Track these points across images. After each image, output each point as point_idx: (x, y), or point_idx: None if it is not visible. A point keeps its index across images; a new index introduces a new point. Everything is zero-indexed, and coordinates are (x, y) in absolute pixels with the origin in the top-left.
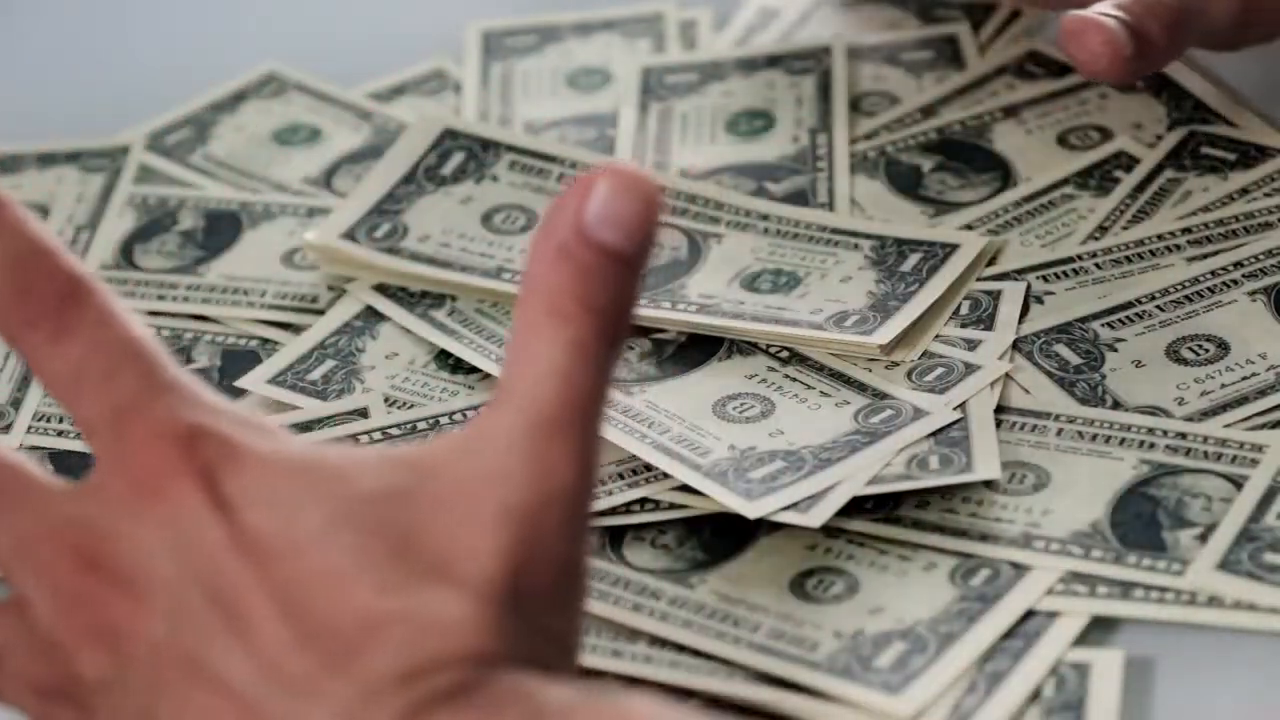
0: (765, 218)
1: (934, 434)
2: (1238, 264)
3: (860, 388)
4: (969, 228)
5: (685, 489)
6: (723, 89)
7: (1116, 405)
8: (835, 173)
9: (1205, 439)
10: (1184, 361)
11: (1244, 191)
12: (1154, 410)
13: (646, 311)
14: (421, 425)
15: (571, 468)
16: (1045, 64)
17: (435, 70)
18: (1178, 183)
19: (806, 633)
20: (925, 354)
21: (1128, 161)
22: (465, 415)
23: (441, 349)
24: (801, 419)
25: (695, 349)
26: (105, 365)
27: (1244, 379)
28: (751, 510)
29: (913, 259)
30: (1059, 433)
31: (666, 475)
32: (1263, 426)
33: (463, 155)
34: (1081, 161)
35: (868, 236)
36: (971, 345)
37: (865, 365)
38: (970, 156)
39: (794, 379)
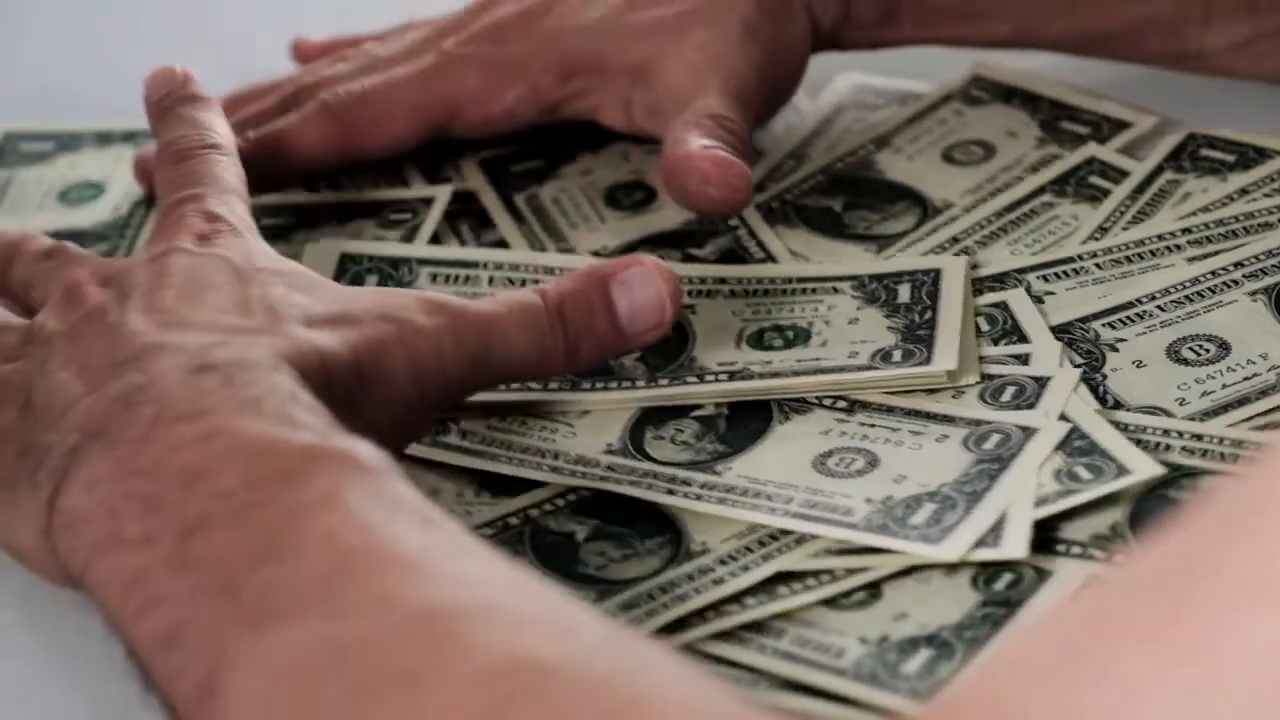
0: (724, 281)
1: (1058, 447)
2: (1238, 264)
3: (946, 420)
4: (955, 241)
5: (841, 551)
6: (580, 168)
7: (1118, 405)
8: (754, 228)
9: (1220, 440)
10: (1185, 362)
11: (1244, 192)
12: (1155, 410)
13: (682, 389)
14: None
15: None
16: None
17: None
18: (1177, 184)
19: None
20: (982, 376)
21: (1100, 167)
22: None
23: None
24: (913, 461)
25: (744, 418)
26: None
27: (1245, 379)
28: (948, 554)
29: (904, 289)
30: None
31: (800, 541)
32: (1265, 427)
33: None
34: (1055, 170)
35: (841, 279)
36: (1021, 359)
37: (931, 397)
38: (873, 189)
39: (873, 425)
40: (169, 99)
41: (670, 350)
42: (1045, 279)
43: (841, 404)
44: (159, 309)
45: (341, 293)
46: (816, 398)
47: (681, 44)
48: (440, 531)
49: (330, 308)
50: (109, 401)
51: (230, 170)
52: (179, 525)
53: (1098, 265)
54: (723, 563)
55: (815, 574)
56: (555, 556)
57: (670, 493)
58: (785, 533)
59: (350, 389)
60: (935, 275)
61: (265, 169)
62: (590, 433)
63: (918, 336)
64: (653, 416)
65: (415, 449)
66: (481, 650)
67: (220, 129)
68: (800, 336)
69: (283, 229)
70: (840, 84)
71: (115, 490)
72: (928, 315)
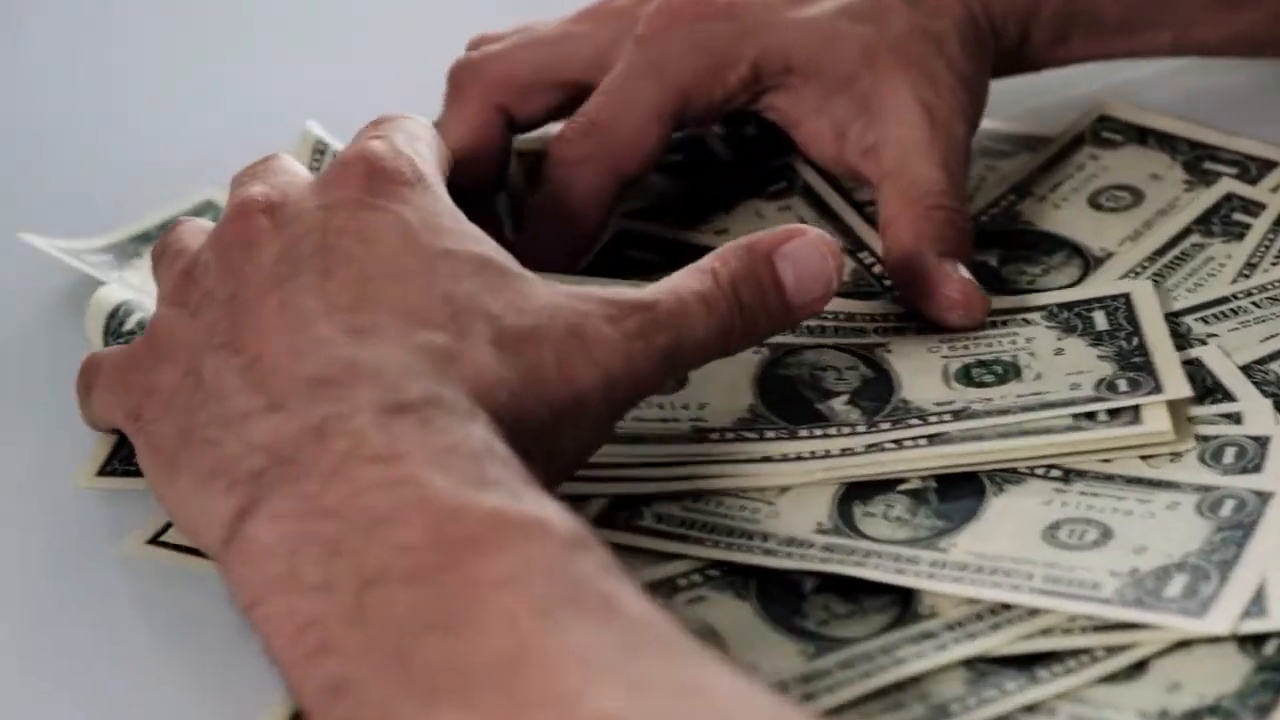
0: (908, 317)
1: None
2: None
3: (1170, 486)
4: None
5: (1091, 627)
6: (715, 228)
7: None
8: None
9: None
10: None
11: None
12: None
13: (906, 432)
14: None
15: (618, 349)
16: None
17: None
18: None
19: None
20: (1195, 438)
21: (1240, 203)
22: None
23: None
24: (1149, 530)
25: (956, 491)
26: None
27: None
28: (1216, 628)
29: (1099, 316)
30: None
31: (1033, 612)
32: None
33: None
34: (1197, 209)
35: (1029, 309)
36: (1232, 417)
37: (1148, 463)
38: (1027, 241)
39: (1095, 494)
40: None
41: (877, 391)
42: (1205, 321)
43: (1056, 473)
44: (339, 306)
45: (527, 293)
46: (1029, 467)
47: (902, 84)
48: (622, 620)
49: (519, 321)
50: (300, 428)
51: (432, 132)
52: (358, 575)
53: (1255, 304)
54: (949, 629)
55: (1074, 654)
56: (778, 605)
57: (900, 572)
58: None
59: (542, 425)
60: (1126, 300)
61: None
62: (794, 511)
63: (1134, 364)
64: (857, 492)
65: (615, 537)
66: None
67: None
68: (1011, 371)
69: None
70: None
71: (299, 529)
72: (1135, 341)
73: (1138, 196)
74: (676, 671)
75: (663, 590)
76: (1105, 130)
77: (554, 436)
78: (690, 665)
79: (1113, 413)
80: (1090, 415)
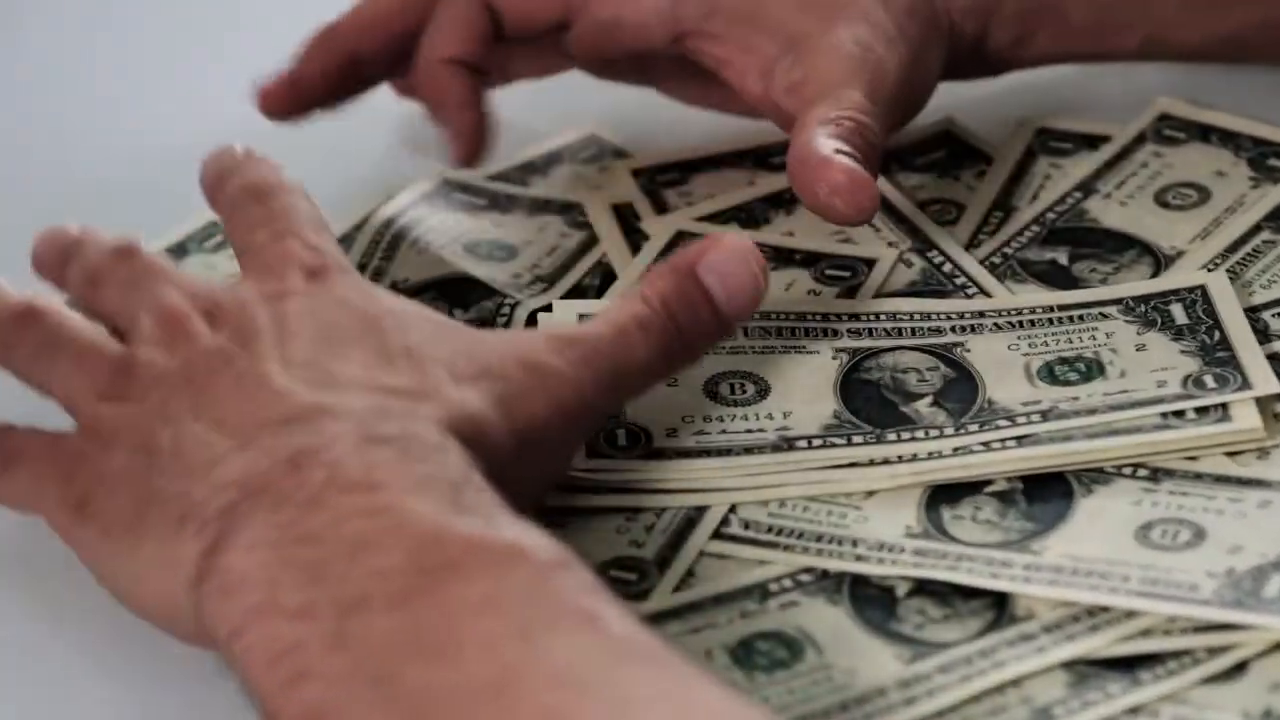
0: (983, 315)
1: None
2: None
3: (1260, 484)
4: None
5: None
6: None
7: None
8: (985, 285)
9: None
10: None
11: None
12: None
13: (994, 434)
14: None
15: (571, 380)
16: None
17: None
18: None
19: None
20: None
21: None
22: None
23: None
24: (1243, 530)
25: (1044, 493)
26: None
27: None
28: None
29: (1177, 310)
30: None
31: (1130, 613)
32: None
33: None
34: (1266, 205)
35: (1105, 303)
36: None
37: (1235, 460)
38: (1095, 239)
39: (1185, 494)
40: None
41: (961, 392)
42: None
43: (1143, 472)
44: (297, 362)
45: (471, 340)
46: (1115, 467)
47: (838, 28)
48: (602, 636)
49: (472, 362)
50: (274, 461)
51: (315, 209)
52: (339, 600)
53: None
54: (1047, 631)
55: (1175, 655)
56: (872, 610)
57: (995, 576)
58: None
59: (508, 455)
60: (1203, 292)
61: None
62: (883, 515)
63: (1219, 359)
64: (944, 495)
65: (711, 546)
66: None
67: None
68: (1095, 368)
69: None
70: (1023, 130)
71: (277, 556)
72: (1217, 336)
73: (1204, 194)
74: (663, 686)
75: (754, 595)
76: (1166, 128)
77: (519, 465)
78: (677, 680)
79: (1201, 410)
80: (1179, 413)
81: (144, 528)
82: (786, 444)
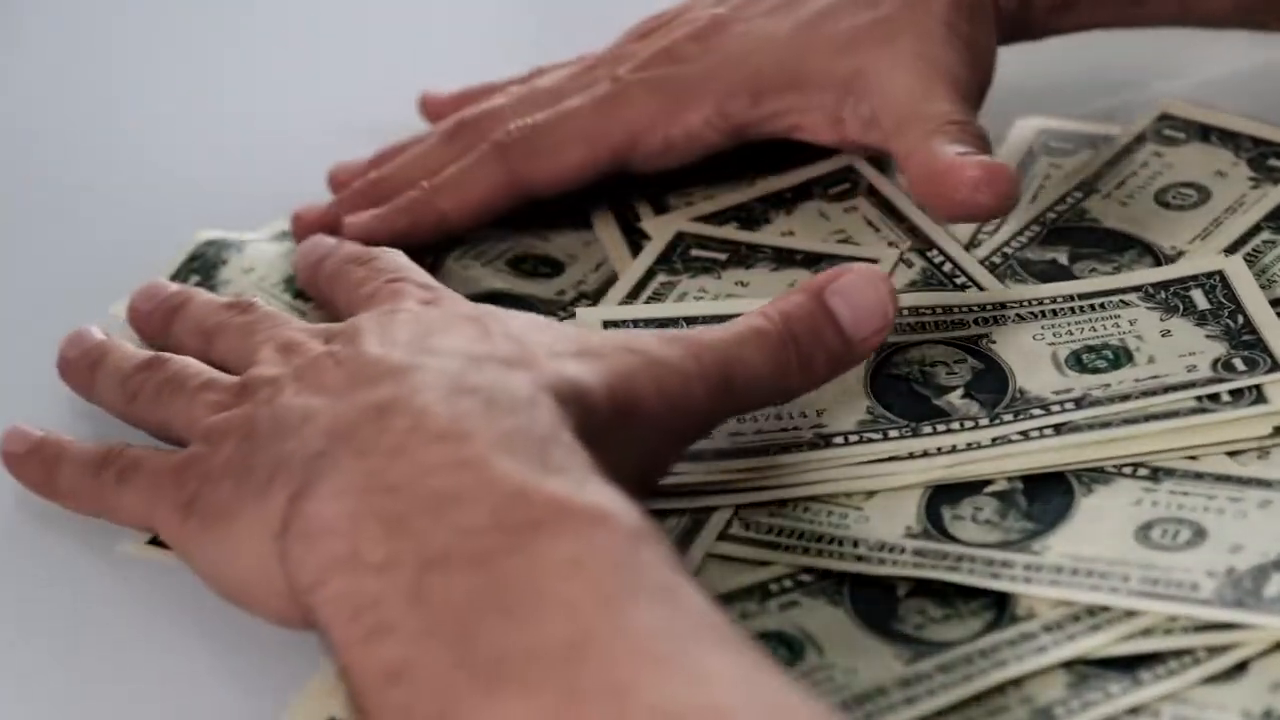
0: (1004, 306)
1: None
2: None
3: (1262, 484)
4: None
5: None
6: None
7: None
8: (986, 285)
9: None
10: None
11: None
12: None
13: (1030, 423)
14: None
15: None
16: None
17: None
18: None
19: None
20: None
21: None
22: None
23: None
24: (1243, 529)
25: (1044, 492)
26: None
27: None
28: None
29: (1198, 295)
30: None
31: (1130, 612)
32: None
33: None
34: (1266, 206)
35: (1124, 290)
36: None
37: (1235, 460)
38: (1095, 239)
39: (1185, 493)
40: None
41: (992, 382)
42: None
43: (1143, 472)
44: (398, 343)
45: (577, 331)
46: (1115, 466)
47: (891, 52)
48: (682, 611)
49: (572, 344)
50: (360, 409)
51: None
52: (420, 555)
53: None
54: (1047, 630)
55: (1176, 655)
56: (873, 610)
57: (995, 576)
58: None
59: (606, 423)
60: (1221, 277)
61: (439, 221)
62: (883, 515)
63: (1246, 343)
64: (943, 495)
65: (714, 547)
66: None
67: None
68: (1123, 355)
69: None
70: (1024, 129)
71: (362, 505)
72: (1241, 319)
73: (1204, 194)
74: (734, 668)
75: (755, 596)
76: (1167, 128)
77: (617, 437)
78: (748, 663)
79: (1235, 393)
80: (1213, 397)
81: (240, 503)
82: (823, 441)
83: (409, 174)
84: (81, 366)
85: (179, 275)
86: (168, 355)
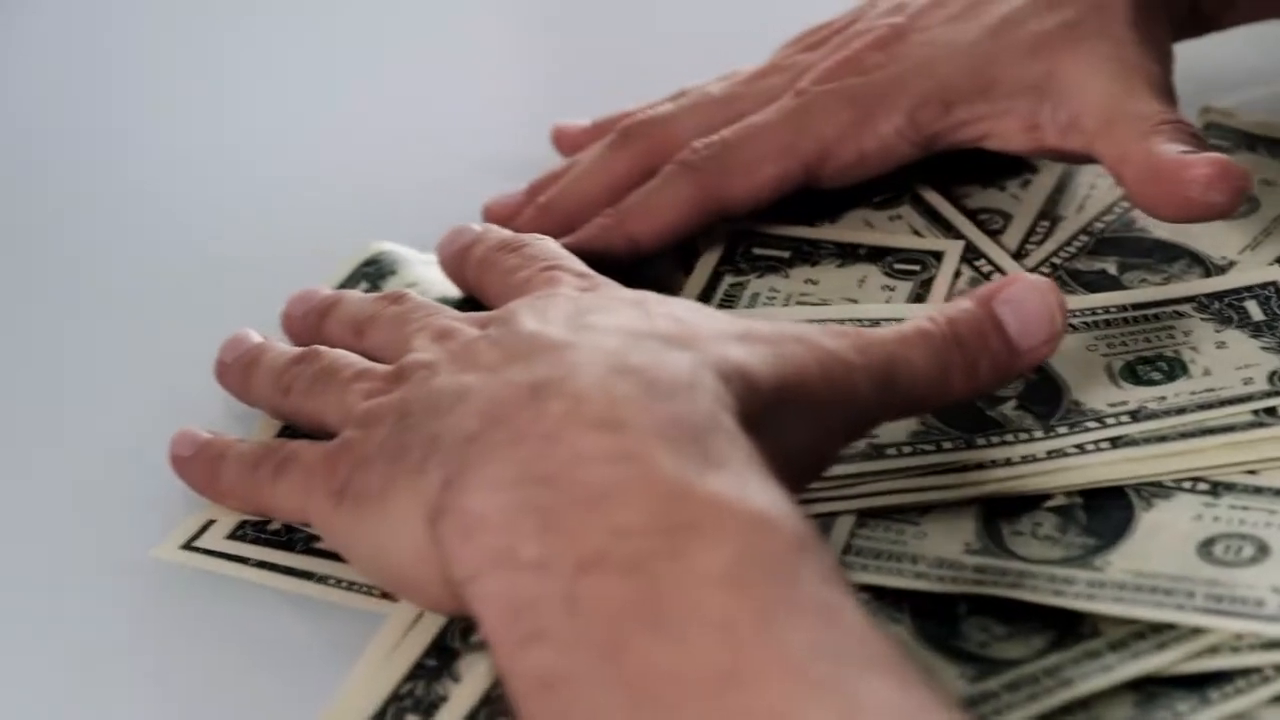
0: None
1: None
2: None
3: None
4: None
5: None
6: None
7: None
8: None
9: None
10: None
11: None
12: None
13: (1085, 436)
14: None
15: (848, 383)
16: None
17: None
18: None
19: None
20: None
21: None
22: None
23: None
24: None
25: (1104, 508)
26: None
27: None
28: None
29: (1252, 306)
30: None
31: (1196, 631)
32: None
33: None
34: None
35: (1179, 300)
36: None
37: None
38: (1145, 249)
39: (1246, 508)
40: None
41: (1046, 394)
42: None
43: (1203, 486)
44: (555, 320)
45: (742, 318)
46: (1174, 481)
47: (1082, 54)
48: (839, 630)
49: (737, 327)
50: (514, 388)
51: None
52: (574, 556)
53: None
54: (1113, 648)
55: (1244, 673)
56: (935, 627)
57: (1058, 593)
58: None
59: (770, 408)
60: (1275, 288)
61: (630, 246)
62: (941, 531)
63: None
64: (1002, 510)
65: None
66: None
67: None
68: (1178, 367)
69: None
70: None
71: (516, 498)
72: None
73: (1253, 204)
74: (894, 697)
75: None
76: (1212, 137)
77: (781, 420)
78: (907, 692)
79: None
80: (1270, 410)
81: (392, 483)
82: (876, 451)
83: (583, 188)
84: (237, 369)
85: (349, 282)
86: (321, 348)
